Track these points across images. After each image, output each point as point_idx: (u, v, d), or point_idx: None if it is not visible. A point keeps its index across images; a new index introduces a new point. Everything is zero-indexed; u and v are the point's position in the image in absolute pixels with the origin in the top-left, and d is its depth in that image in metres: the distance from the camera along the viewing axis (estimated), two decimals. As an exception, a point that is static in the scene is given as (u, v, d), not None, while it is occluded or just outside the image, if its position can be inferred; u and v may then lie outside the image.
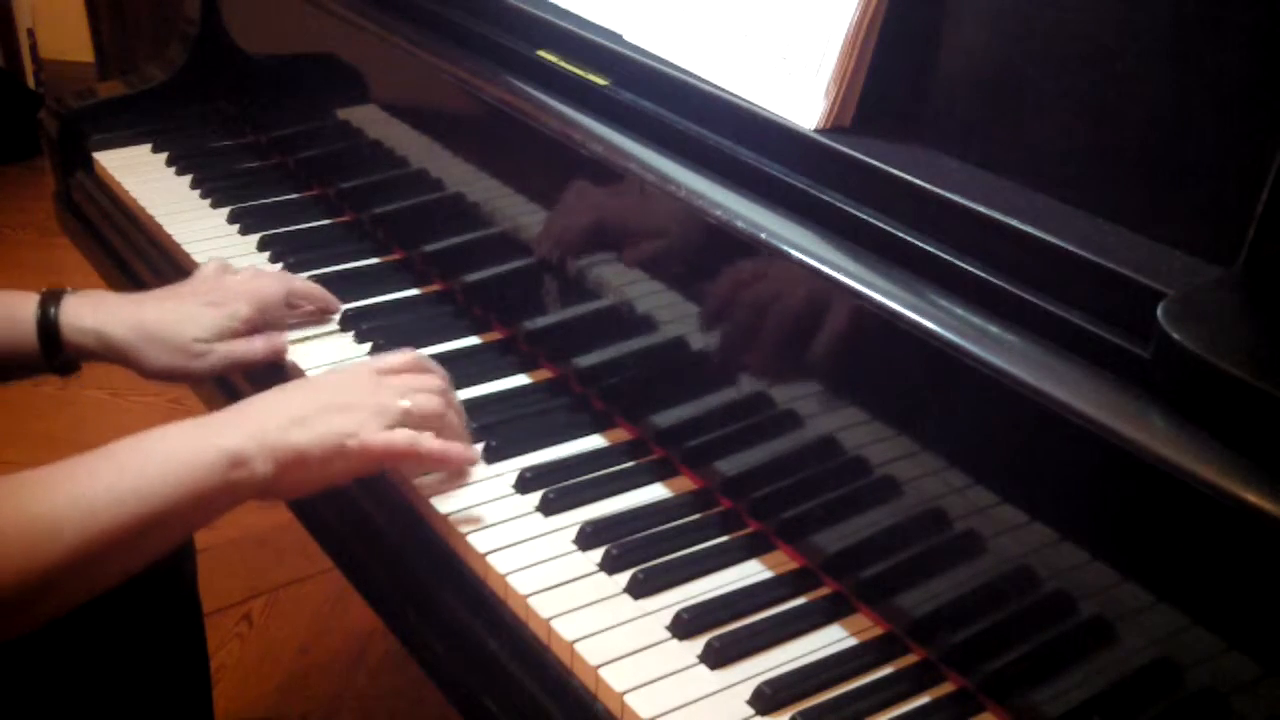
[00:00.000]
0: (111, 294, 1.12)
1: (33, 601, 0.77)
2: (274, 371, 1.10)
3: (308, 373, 1.08)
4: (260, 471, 0.84)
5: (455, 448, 0.92)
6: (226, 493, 0.84)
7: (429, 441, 0.90)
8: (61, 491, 0.79)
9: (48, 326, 1.04)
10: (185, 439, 0.84)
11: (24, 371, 1.07)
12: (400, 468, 0.94)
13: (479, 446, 0.97)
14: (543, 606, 0.84)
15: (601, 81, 1.01)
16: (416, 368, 0.97)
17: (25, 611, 0.78)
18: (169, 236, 1.30)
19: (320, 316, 1.16)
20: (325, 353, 1.11)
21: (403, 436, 0.89)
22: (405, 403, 0.91)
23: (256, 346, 1.08)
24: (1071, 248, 0.72)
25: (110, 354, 1.06)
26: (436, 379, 0.96)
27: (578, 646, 0.81)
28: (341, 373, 0.97)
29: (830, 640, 0.83)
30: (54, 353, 1.05)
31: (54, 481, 0.79)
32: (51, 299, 1.05)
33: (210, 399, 1.22)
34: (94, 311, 1.05)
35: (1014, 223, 0.75)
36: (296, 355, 1.10)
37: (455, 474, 0.95)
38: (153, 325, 1.05)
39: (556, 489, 0.93)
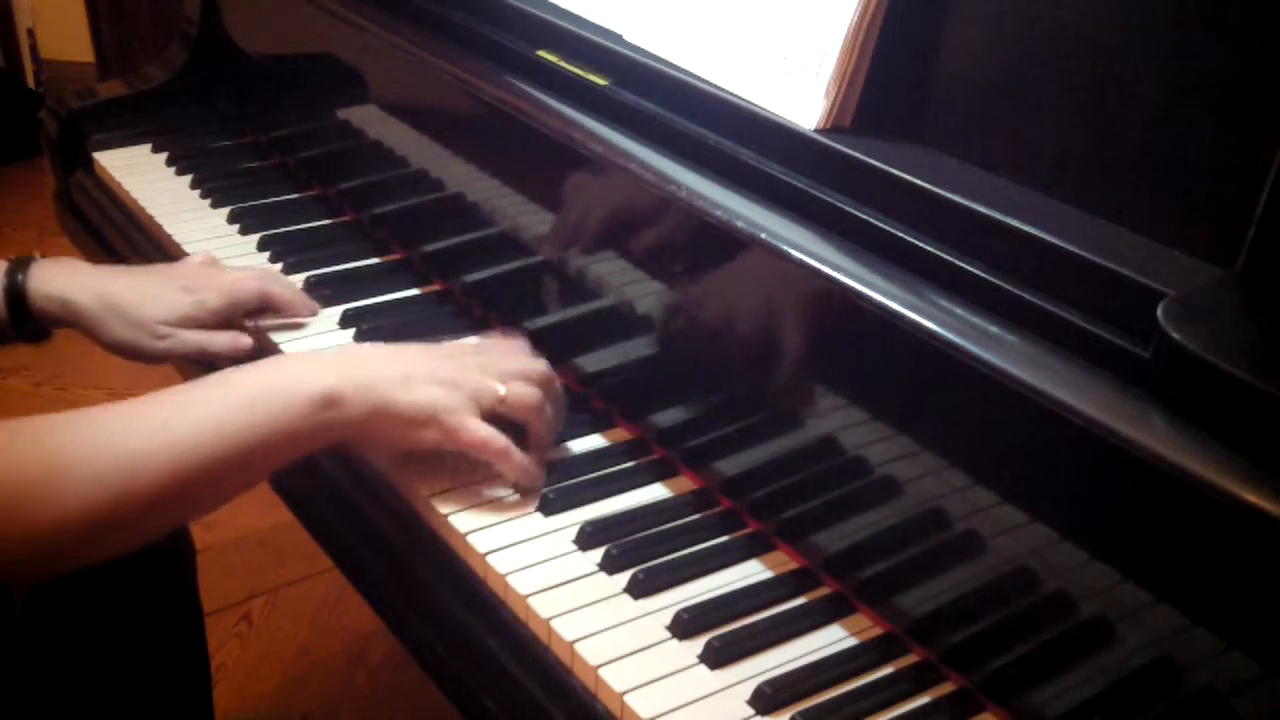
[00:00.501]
0: (84, 263, 1.12)
1: (119, 529, 0.79)
2: (255, 358, 1.09)
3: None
4: (353, 414, 0.85)
5: (531, 469, 0.92)
6: (318, 430, 0.85)
7: (517, 455, 0.91)
8: (150, 423, 0.80)
9: (15, 292, 1.04)
10: (285, 374, 0.86)
11: None
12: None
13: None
14: (543, 606, 0.84)
15: (601, 81, 1.01)
16: (524, 350, 0.98)
17: (112, 538, 0.79)
18: (169, 236, 1.30)
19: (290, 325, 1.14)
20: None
21: (497, 440, 0.90)
22: (503, 390, 0.91)
23: (219, 340, 1.08)
24: (1071, 248, 0.72)
25: (74, 320, 1.06)
26: (541, 365, 0.96)
27: (578, 646, 0.81)
28: (449, 346, 0.97)
29: (830, 640, 0.83)
30: (21, 320, 1.05)
31: (143, 414, 0.80)
32: (19, 266, 1.05)
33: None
34: (62, 278, 1.06)
35: (1014, 223, 0.75)
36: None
37: (518, 483, 0.94)
38: (118, 298, 1.06)
39: (556, 489, 0.93)
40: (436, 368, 0.90)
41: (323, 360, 0.89)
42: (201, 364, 1.09)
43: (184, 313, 1.07)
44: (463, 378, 0.90)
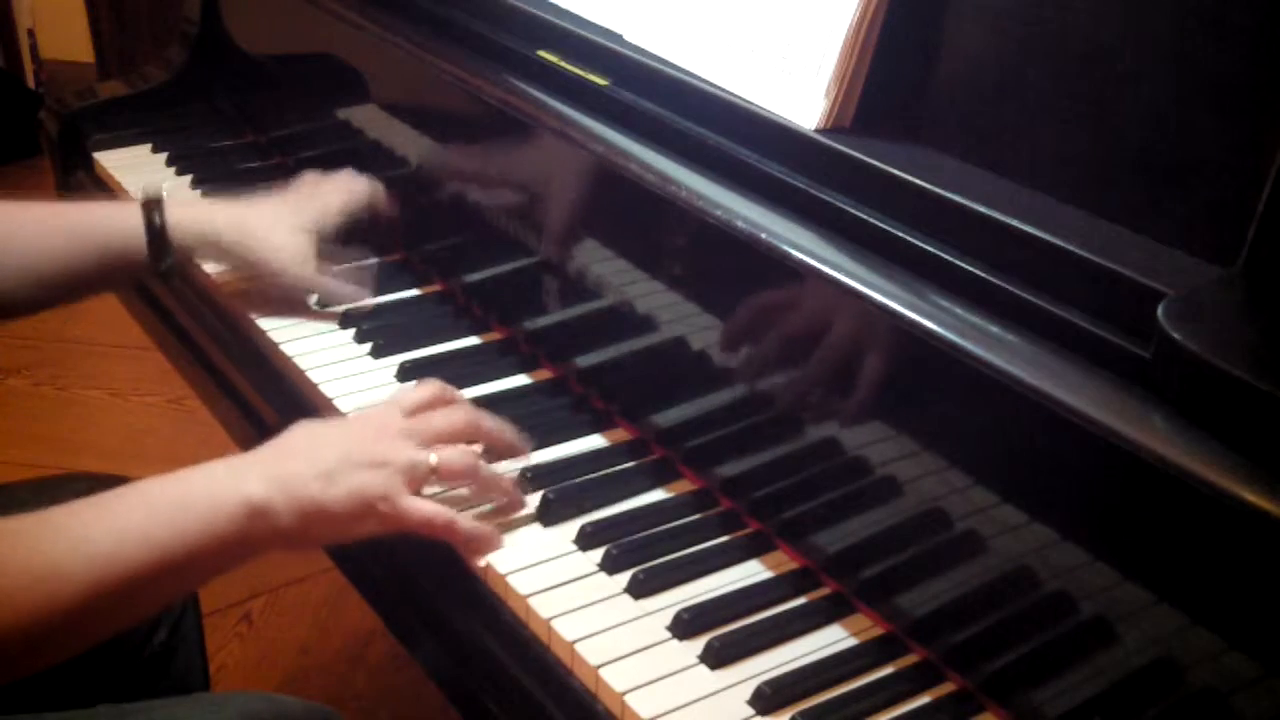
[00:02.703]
0: (205, 199, 1.21)
1: (37, 648, 0.75)
2: (255, 358, 1.10)
3: (308, 373, 1.08)
4: (283, 524, 0.82)
5: (486, 534, 0.89)
6: (246, 543, 0.81)
7: (464, 524, 0.88)
8: (68, 536, 0.76)
9: (155, 228, 1.08)
10: (206, 484, 0.82)
11: (126, 280, 1.14)
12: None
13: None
14: (543, 607, 0.84)
15: (601, 81, 1.01)
16: (440, 402, 0.93)
17: (30, 657, 0.76)
18: (169, 236, 1.30)
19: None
20: (326, 354, 1.11)
21: (440, 517, 0.86)
22: (434, 459, 0.87)
23: (344, 291, 1.14)
24: (1071, 248, 0.72)
25: (212, 241, 1.11)
26: (464, 412, 0.93)
27: (578, 647, 0.81)
28: (368, 419, 0.92)
29: (830, 640, 0.83)
30: (162, 255, 1.09)
31: (61, 525, 0.76)
32: (154, 204, 1.09)
33: (209, 397, 1.22)
34: (194, 209, 1.12)
35: (1014, 223, 0.75)
36: (295, 354, 1.10)
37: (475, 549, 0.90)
38: (253, 224, 1.11)
39: (556, 489, 0.93)
40: (361, 451, 0.85)
41: (247, 465, 0.84)
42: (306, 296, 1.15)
43: (312, 217, 1.13)
44: (391, 455, 0.86)
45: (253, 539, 0.81)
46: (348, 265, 1.18)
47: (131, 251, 1.08)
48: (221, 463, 0.83)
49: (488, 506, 0.92)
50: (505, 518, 0.91)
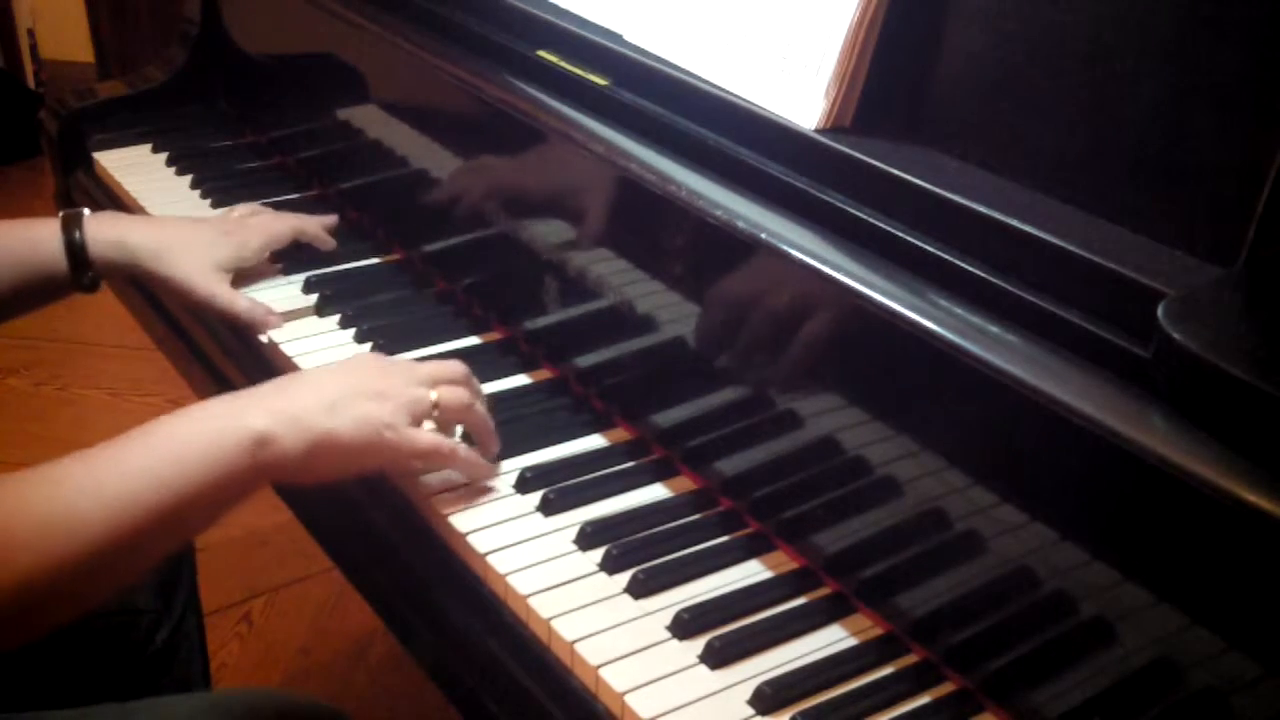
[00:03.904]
0: (128, 214, 1.21)
1: (58, 597, 0.76)
2: (254, 357, 1.10)
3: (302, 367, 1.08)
4: (290, 451, 0.83)
5: (483, 463, 0.93)
6: (254, 473, 0.82)
7: (464, 452, 0.92)
8: (80, 484, 0.77)
9: (75, 244, 1.09)
10: (211, 419, 0.83)
11: (48, 296, 1.12)
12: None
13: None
14: (543, 606, 0.84)
15: (601, 81, 1.01)
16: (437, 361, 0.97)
17: (55, 603, 0.76)
18: (169, 236, 1.30)
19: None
20: (327, 354, 1.11)
21: (444, 443, 0.90)
22: (434, 395, 0.90)
23: (255, 311, 1.13)
24: (1071, 248, 0.72)
25: (131, 263, 1.12)
26: (460, 366, 0.96)
27: (578, 646, 0.81)
28: (371, 358, 0.96)
29: (830, 640, 0.83)
30: (81, 270, 1.10)
31: (72, 474, 0.77)
32: (73, 220, 1.10)
33: (209, 397, 1.22)
34: (116, 225, 1.13)
35: (1014, 223, 0.75)
36: (295, 355, 1.10)
37: (473, 478, 0.95)
38: (170, 240, 1.13)
39: (556, 489, 0.93)
40: (364, 385, 0.88)
41: (250, 399, 0.86)
42: (227, 322, 1.16)
43: (228, 254, 1.14)
44: (392, 390, 0.88)
45: (261, 468, 0.82)
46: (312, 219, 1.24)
47: (50, 267, 1.09)
48: (222, 399, 0.86)
49: (443, 476, 0.94)
50: (481, 482, 0.94)
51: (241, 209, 1.24)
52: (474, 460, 0.93)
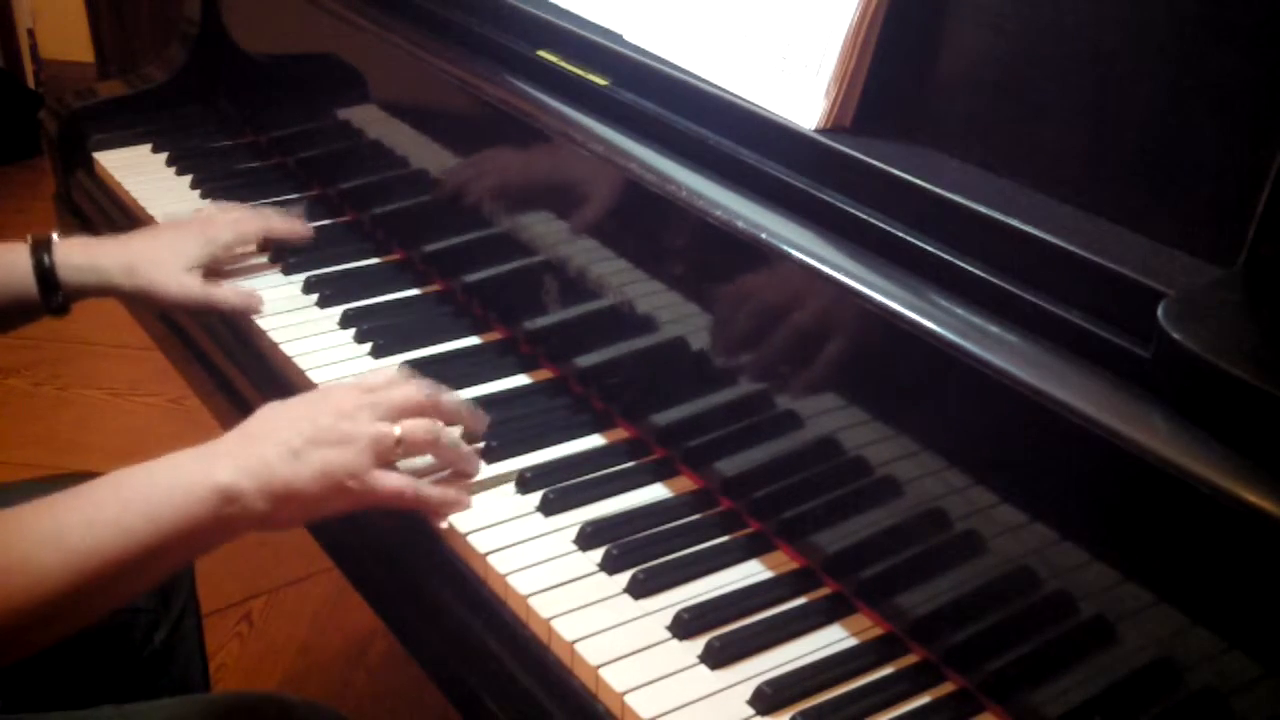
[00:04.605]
0: (95, 238, 1.21)
1: (19, 637, 0.76)
2: (255, 357, 1.10)
3: (308, 373, 1.08)
4: (253, 506, 0.83)
5: (450, 496, 0.92)
6: (218, 528, 0.82)
7: (430, 492, 0.91)
8: (43, 533, 0.77)
9: (44, 268, 1.10)
10: (177, 473, 0.83)
11: (15, 320, 1.13)
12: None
13: (479, 446, 0.97)
14: (543, 606, 0.84)
15: (601, 81, 1.01)
16: (399, 382, 0.94)
17: (13, 645, 0.77)
18: (169, 236, 1.30)
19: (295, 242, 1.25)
20: (326, 354, 1.11)
21: (409, 489, 0.89)
22: (398, 430, 0.89)
23: (232, 298, 1.15)
24: (1071, 248, 0.72)
25: (101, 282, 1.13)
26: (423, 391, 0.93)
27: (578, 646, 0.81)
28: (331, 396, 0.92)
29: (830, 640, 0.83)
30: (51, 292, 1.11)
31: (35, 522, 0.77)
32: (42, 244, 1.11)
33: (209, 397, 1.22)
34: (84, 247, 1.14)
35: (1014, 223, 0.75)
36: (295, 355, 1.10)
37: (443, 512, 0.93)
38: (139, 253, 1.14)
39: (556, 489, 0.93)
40: (327, 430, 0.87)
41: (216, 453, 0.85)
42: (214, 315, 1.18)
43: (199, 253, 1.15)
44: (355, 432, 0.87)
45: (225, 523, 0.83)
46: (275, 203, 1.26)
47: (18, 291, 1.10)
48: (188, 452, 0.85)
49: (447, 472, 0.95)
50: (465, 481, 0.94)
51: (209, 209, 1.26)
52: (442, 499, 0.91)
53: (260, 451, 0.85)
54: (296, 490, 0.84)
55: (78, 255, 1.12)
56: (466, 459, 0.95)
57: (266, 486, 0.83)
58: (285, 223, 1.24)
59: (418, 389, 0.93)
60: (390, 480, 0.88)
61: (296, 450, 0.85)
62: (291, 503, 0.85)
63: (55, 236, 1.13)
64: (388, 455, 0.89)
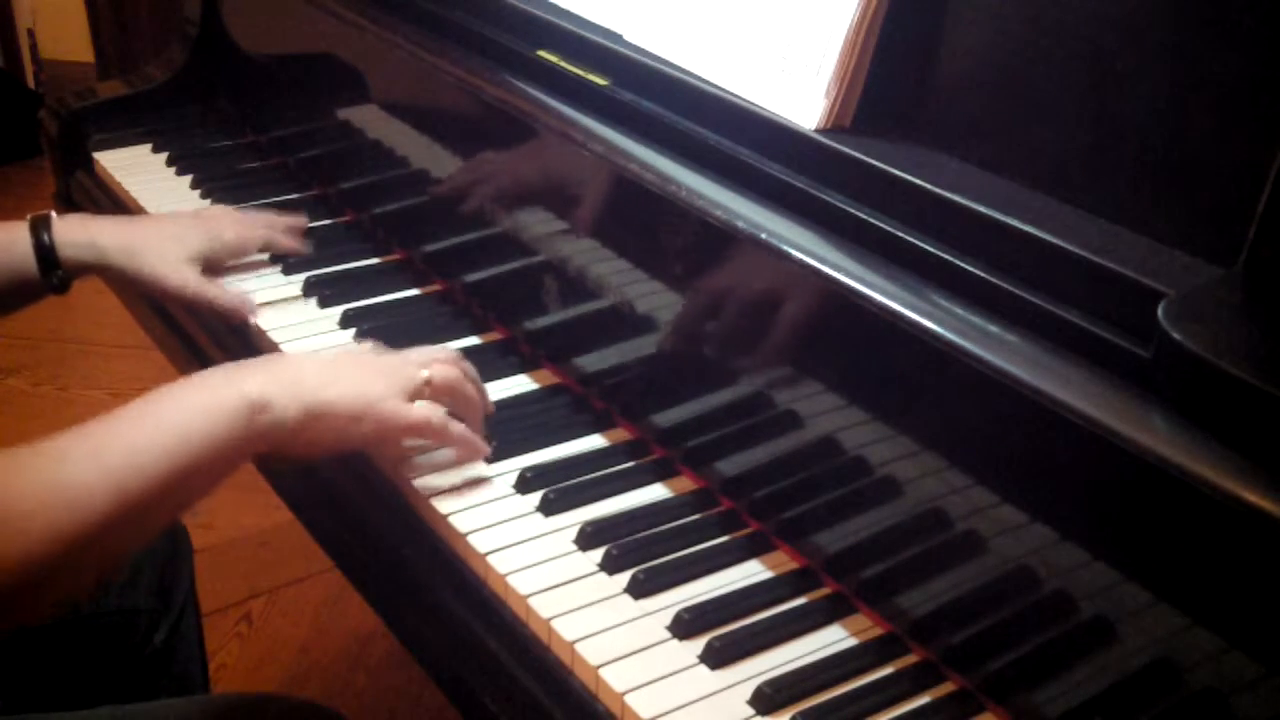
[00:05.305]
0: (95, 216, 1.20)
1: (60, 571, 0.76)
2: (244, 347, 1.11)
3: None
4: (284, 417, 0.85)
5: (473, 438, 0.95)
6: (250, 438, 0.84)
7: (454, 425, 0.93)
8: (82, 456, 0.78)
9: (43, 246, 1.10)
10: (209, 389, 0.85)
11: (18, 299, 1.13)
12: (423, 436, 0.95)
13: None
14: (543, 606, 0.84)
15: (601, 81, 1.01)
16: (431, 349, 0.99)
17: (53, 583, 0.77)
18: (169, 236, 1.30)
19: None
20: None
21: (435, 415, 0.92)
22: (426, 372, 0.92)
23: (227, 298, 1.14)
24: (1071, 248, 0.72)
25: (101, 262, 1.12)
26: (454, 351, 0.99)
27: (578, 646, 0.81)
28: (366, 346, 0.99)
29: (830, 640, 0.83)
30: (50, 270, 1.10)
31: (73, 447, 0.78)
32: (41, 222, 1.11)
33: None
34: (84, 226, 1.13)
35: (1014, 223, 0.75)
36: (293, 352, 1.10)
37: (463, 458, 0.96)
38: (141, 237, 1.14)
39: (556, 489, 0.93)
40: (360, 363, 0.93)
41: (248, 369, 0.88)
42: (206, 311, 1.16)
43: (201, 245, 1.15)
44: (386, 367, 0.93)
45: (258, 434, 0.84)
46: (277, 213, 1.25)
47: (19, 269, 1.11)
48: (218, 369, 0.88)
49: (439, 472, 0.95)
50: (471, 461, 0.96)
51: (215, 208, 1.27)
52: (465, 436, 0.94)
53: (292, 370, 0.89)
54: (328, 403, 0.87)
55: (77, 232, 1.12)
56: (488, 410, 0.98)
57: (298, 397, 0.86)
58: (290, 240, 1.23)
59: (445, 349, 0.98)
60: (420, 409, 0.91)
61: (328, 374, 0.89)
62: (322, 419, 0.87)
63: (54, 214, 1.13)
64: (416, 394, 0.92)
